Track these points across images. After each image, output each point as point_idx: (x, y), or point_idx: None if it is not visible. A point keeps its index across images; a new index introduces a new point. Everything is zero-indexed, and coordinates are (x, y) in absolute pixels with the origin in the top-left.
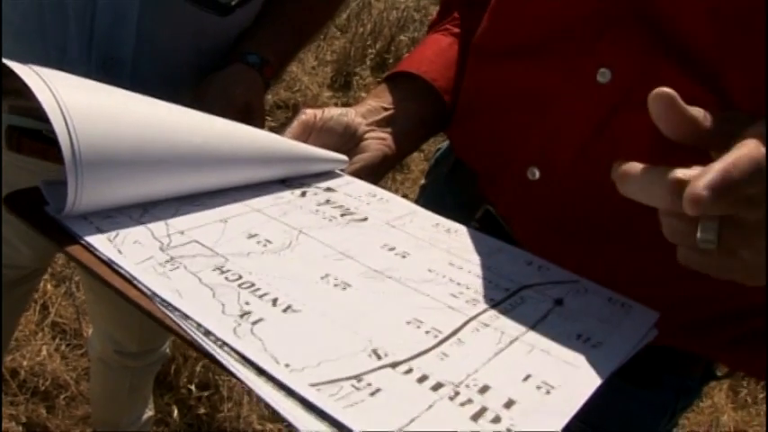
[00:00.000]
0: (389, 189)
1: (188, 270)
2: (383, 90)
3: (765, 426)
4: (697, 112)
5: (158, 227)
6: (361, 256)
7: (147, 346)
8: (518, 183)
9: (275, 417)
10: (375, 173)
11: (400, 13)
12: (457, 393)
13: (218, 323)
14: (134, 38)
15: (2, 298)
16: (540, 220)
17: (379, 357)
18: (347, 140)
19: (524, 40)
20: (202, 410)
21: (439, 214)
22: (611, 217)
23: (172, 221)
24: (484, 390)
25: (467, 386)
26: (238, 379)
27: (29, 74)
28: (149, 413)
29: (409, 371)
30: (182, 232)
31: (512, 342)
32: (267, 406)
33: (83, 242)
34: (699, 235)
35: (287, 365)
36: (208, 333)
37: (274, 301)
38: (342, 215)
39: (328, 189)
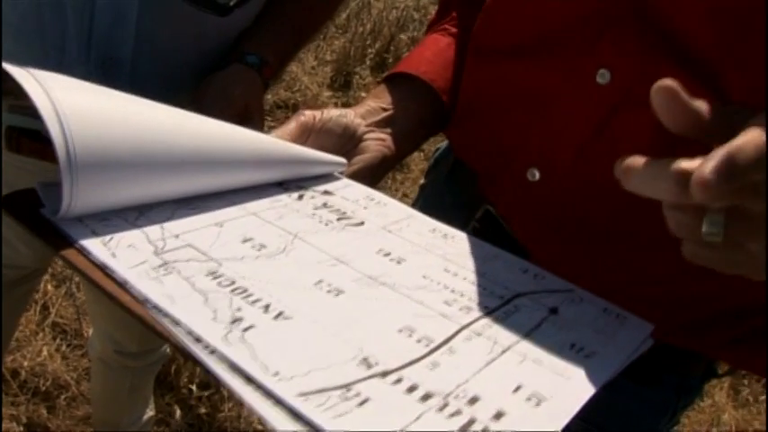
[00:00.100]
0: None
1: (181, 275)
2: (382, 91)
3: (766, 424)
4: (700, 104)
5: (153, 230)
6: (355, 261)
7: (148, 346)
8: (518, 183)
9: None
10: (374, 174)
11: (400, 12)
12: (446, 404)
13: (208, 330)
14: (133, 38)
15: (2, 298)
16: (541, 220)
17: (369, 366)
18: (346, 141)
19: (524, 40)
20: (203, 410)
21: (438, 214)
22: (612, 217)
23: (167, 225)
24: (473, 401)
25: (456, 397)
26: (227, 386)
27: (24, 76)
28: (150, 413)
29: (398, 381)
30: (176, 236)
31: (503, 352)
32: None
33: (77, 245)
34: (704, 228)
35: (276, 374)
36: (198, 339)
37: (266, 308)
38: (338, 219)
39: (326, 192)
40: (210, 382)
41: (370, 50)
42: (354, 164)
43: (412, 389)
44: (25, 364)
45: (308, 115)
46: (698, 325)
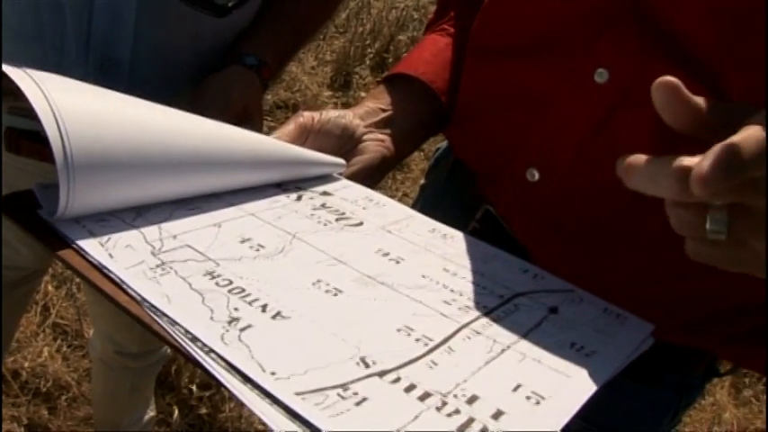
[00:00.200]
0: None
1: (178, 275)
2: (381, 91)
3: (766, 423)
4: (700, 100)
5: (151, 231)
6: (354, 261)
7: (148, 347)
8: (517, 183)
9: None
10: (374, 174)
11: (399, 12)
12: (444, 403)
13: (205, 329)
14: (131, 39)
15: (2, 299)
16: (540, 220)
17: (366, 366)
18: (345, 142)
19: (523, 39)
20: (204, 410)
21: (439, 214)
22: (611, 217)
23: (165, 225)
24: (472, 400)
25: (455, 396)
26: (224, 386)
27: (22, 77)
28: (151, 413)
29: (397, 380)
30: (174, 236)
31: (503, 351)
32: None
33: (74, 246)
34: (708, 225)
35: (273, 373)
36: (195, 339)
37: (264, 308)
38: (337, 220)
39: (324, 193)
40: (211, 382)
41: (369, 50)
42: (353, 165)
43: (410, 388)
44: (26, 364)
45: (306, 116)
46: (698, 324)
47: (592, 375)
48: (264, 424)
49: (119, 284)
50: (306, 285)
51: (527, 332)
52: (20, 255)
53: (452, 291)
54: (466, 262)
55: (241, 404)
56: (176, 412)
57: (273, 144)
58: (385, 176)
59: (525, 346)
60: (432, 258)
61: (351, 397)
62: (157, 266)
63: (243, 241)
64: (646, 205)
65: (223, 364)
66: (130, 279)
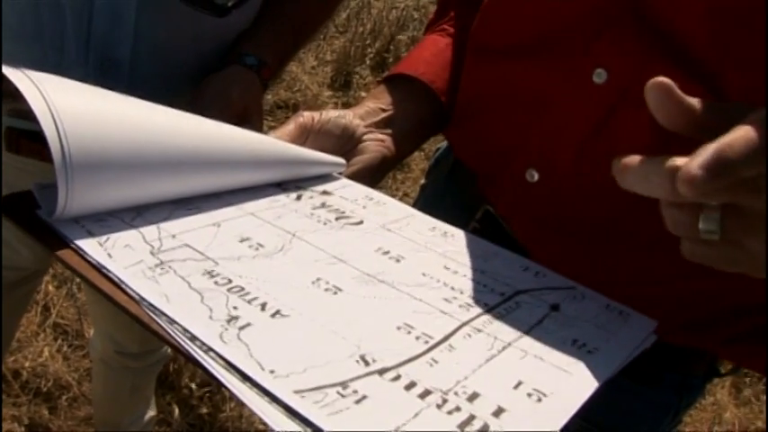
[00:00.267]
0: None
1: (177, 274)
2: (381, 91)
3: (767, 423)
4: (695, 101)
5: (150, 230)
6: (354, 259)
7: (149, 347)
8: (517, 183)
9: None
10: (374, 174)
11: (400, 12)
12: (445, 401)
13: (204, 328)
14: (131, 39)
15: (3, 299)
16: (540, 220)
17: (366, 363)
18: (345, 142)
19: (522, 39)
20: (204, 410)
21: (439, 214)
22: (611, 217)
23: (164, 225)
24: (473, 397)
25: (455, 393)
26: (223, 385)
27: (20, 77)
28: (151, 413)
29: (397, 377)
30: (173, 236)
31: (504, 348)
32: None
33: (73, 246)
34: (701, 225)
35: (272, 371)
36: (194, 338)
37: (263, 306)
38: (337, 219)
39: (324, 192)
40: (212, 381)
41: (370, 50)
42: (354, 164)
43: (411, 385)
44: (26, 364)
45: (306, 116)
46: (698, 323)
47: (594, 372)
48: (265, 423)
49: (117, 284)
50: (305, 284)
51: (528, 329)
52: (20, 255)
53: (453, 289)
54: (466, 260)
55: (241, 403)
56: (177, 412)
57: (273, 143)
58: (385, 176)
59: (526, 343)
60: (432, 256)
61: (350, 395)
62: (156, 266)
63: (242, 240)
64: (646, 205)
65: (222, 362)
66: (129, 278)
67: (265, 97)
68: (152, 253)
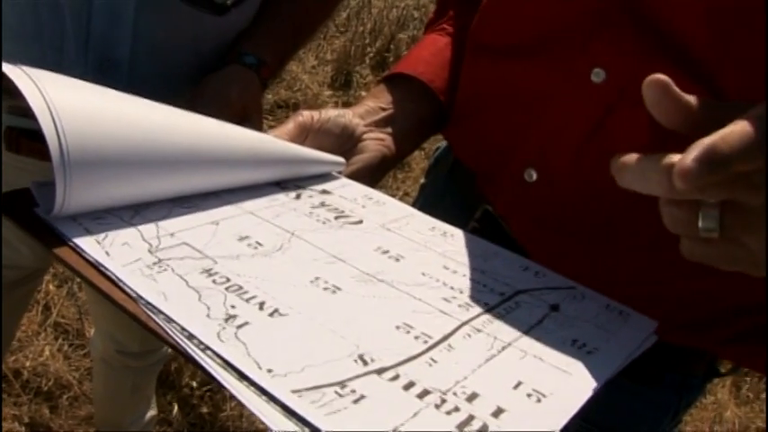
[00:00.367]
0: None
1: (175, 272)
2: (381, 91)
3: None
4: (692, 98)
5: (148, 229)
6: (353, 259)
7: (149, 346)
8: (516, 183)
9: None
10: (374, 173)
11: (400, 11)
12: (444, 401)
13: (202, 327)
14: (130, 39)
15: (3, 298)
16: (539, 219)
17: (365, 363)
18: (345, 141)
19: (521, 39)
20: (205, 409)
21: (438, 214)
22: (610, 216)
23: (162, 223)
24: (472, 397)
25: (454, 393)
26: (220, 384)
27: (18, 74)
28: (152, 412)
29: (396, 377)
30: (172, 234)
31: (504, 348)
32: None
33: (71, 244)
34: (700, 223)
35: (269, 371)
36: (191, 336)
37: (261, 305)
38: (336, 218)
39: (324, 191)
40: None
41: (370, 49)
42: (353, 164)
43: (409, 385)
44: (27, 364)
45: (306, 115)
46: (698, 323)
47: (593, 373)
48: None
49: (115, 282)
50: (304, 283)
51: (528, 329)
52: (20, 254)
53: (452, 288)
54: (466, 260)
55: (241, 403)
56: (177, 411)
57: (273, 142)
58: (385, 175)
59: (526, 343)
60: (432, 256)
61: (348, 395)
62: (154, 264)
63: (241, 239)
64: (645, 205)
65: (219, 361)
66: (127, 276)
67: (265, 96)
68: (150, 251)
